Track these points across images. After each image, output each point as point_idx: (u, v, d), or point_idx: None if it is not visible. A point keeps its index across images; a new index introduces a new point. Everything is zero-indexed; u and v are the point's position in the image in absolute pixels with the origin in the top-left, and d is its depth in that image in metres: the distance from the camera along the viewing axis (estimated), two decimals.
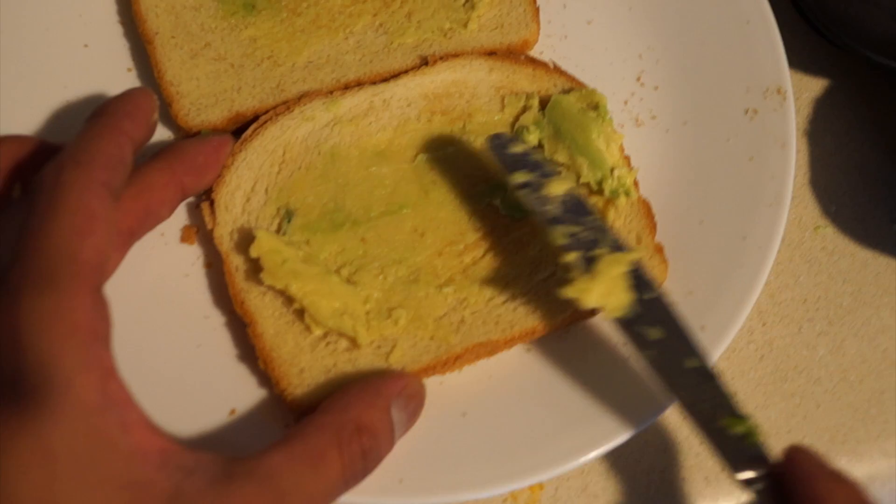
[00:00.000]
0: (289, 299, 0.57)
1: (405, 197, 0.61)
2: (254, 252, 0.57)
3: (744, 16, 0.68)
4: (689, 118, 0.67)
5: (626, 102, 0.68)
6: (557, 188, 0.57)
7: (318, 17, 0.65)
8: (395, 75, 0.64)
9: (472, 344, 0.58)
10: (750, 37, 0.68)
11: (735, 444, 0.50)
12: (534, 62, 0.66)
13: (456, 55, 0.65)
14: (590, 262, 0.55)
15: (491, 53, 0.66)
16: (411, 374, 0.56)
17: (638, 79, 0.69)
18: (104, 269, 0.47)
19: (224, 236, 0.59)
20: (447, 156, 0.62)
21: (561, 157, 0.62)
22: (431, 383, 0.58)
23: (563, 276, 0.60)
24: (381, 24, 0.66)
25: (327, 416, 0.50)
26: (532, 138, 0.63)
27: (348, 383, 0.54)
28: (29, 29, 0.64)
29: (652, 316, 0.54)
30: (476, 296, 0.59)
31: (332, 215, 0.60)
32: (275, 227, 0.60)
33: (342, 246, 0.59)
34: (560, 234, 0.56)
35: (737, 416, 0.51)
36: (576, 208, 0.57)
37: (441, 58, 0.65)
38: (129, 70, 0.65)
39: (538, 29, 0.67)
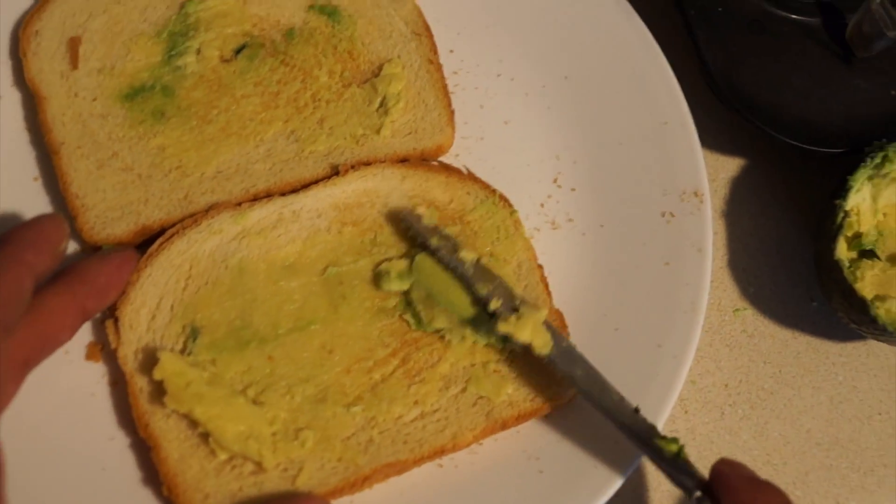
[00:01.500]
0: (194, 422, 0.56)
1: (314, 312, 0.60)
2: (157, 375, 0.56)
3: (662, 117, 0.68)
4: (605, 221, 0.66)
5: (542, 205, 0.67)
6: (467, 255, 0.61)
7: (229, 124, 0.64)
8: (306, 185, 0.63)
9: (381, 464, 0.57)
10: (668, 139, 0.67)
11: (670, 461, 0.54)
12: (448, 169, 0.65)
13: (368, 163, 0.64)
14: (511, 312, 0.59)
15: (404, 160, 0.65)
16: (318, 498, 0.55)
17: (555, 180, 0.68)
18: None
19: (129, 356, 0.58)
20: (358, 269, 0.61)
21: (440, 322, 0.60)
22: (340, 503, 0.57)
23: (474, 391, 0.59)
24: (292, 132, 0.65)
25: None
26: (396, 287, 0.61)
27: None
28: None
29: (568, 360, 0.58)
30: (385, 414, 0.58)
31: (238, 333, 0.59)
32: (180, 345, 0.58)
33: (249, 365, 0.58)
34: (481, 288, 0.59)
35: (666, 438, 0.55)
36: (484, 273, 0.61)
37: (352, 166, 0.63)
38: (36, 179, 0.63)
39: (453, 133, 0.66)
